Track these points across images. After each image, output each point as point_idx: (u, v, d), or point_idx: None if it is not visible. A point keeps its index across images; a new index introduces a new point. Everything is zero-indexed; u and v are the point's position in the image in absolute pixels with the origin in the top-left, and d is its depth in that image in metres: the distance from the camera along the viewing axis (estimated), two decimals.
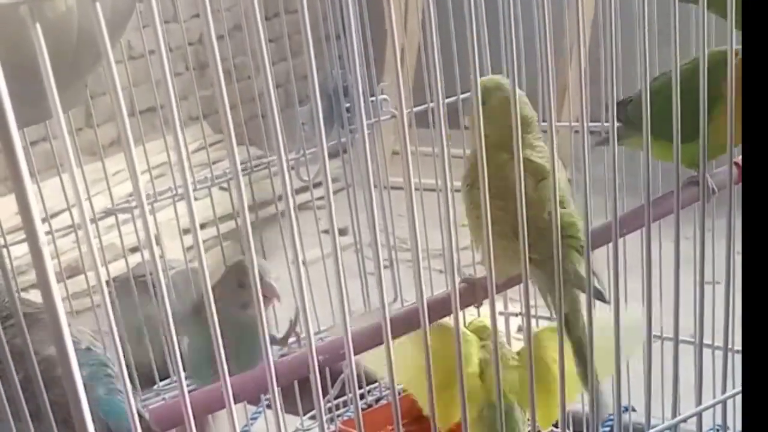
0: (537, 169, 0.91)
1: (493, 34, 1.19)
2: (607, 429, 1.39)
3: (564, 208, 0.90)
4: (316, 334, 1.50)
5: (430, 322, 0.64)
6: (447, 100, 1.40)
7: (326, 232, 1.70)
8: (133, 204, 1.41)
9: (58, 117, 0.48)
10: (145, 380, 1.47)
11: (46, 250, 0.46)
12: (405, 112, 0.55)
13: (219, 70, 0.54)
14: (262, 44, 0.55)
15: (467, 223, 0.97)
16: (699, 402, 0.89)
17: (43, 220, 1.42)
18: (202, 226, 1.88)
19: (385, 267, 1.59)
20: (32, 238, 0.47)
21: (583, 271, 0.86)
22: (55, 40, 0.73)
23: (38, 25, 0.44)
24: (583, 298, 0.89)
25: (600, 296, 0.88)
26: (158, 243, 1.90)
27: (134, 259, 1.59)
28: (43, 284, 0.48)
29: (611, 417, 1.35)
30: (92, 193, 1.43)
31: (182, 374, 0.60)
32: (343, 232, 1.65)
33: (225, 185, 1.48)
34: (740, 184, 0.96)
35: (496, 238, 0.79)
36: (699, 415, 0.91)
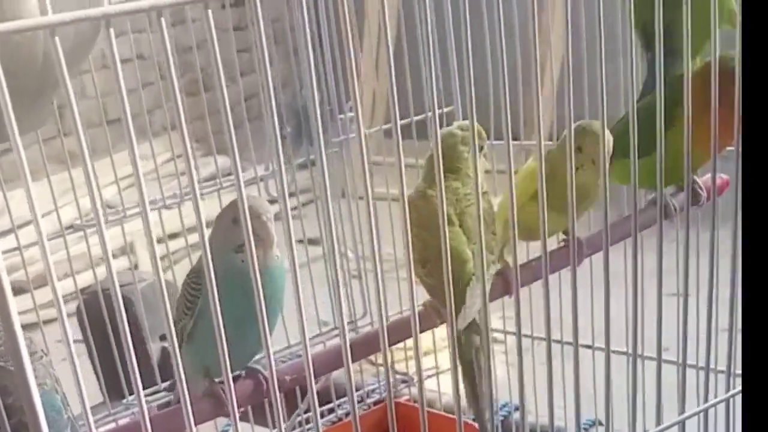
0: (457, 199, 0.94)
1: (478, 52, 1.20)
2: None
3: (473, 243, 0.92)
4: (287, 348, 1.50)
5: (390, 345, 0.64)
6: (416, 118, 1.42)
7: (300, 241, 1.68)
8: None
9: (17, 145, 0.47)
10: (115, 393, 1.46)
11: (6, 279, 0.46)
12: (364, 132, 0.56)
13: (176, 87, 0.54)
14: (218, 60, 0.56)
15: None
16: (659, 421, 0.88)
17: (10, 231, 1.41)
18: (173, 236, 1.88)
19: (355, 277, 1.59)
20: None
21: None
22: (20, 63, 0.73)
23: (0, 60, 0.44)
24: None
25: None
26: (131, 251, 1.89)
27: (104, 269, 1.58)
28: (2, 308, 0.47)
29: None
30: (60, 204, 1.41)
31: (141, 392, 0.60)
32: (313, 242, 1.64)
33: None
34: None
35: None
36: None
